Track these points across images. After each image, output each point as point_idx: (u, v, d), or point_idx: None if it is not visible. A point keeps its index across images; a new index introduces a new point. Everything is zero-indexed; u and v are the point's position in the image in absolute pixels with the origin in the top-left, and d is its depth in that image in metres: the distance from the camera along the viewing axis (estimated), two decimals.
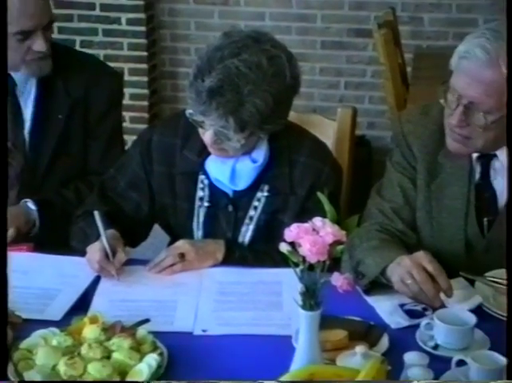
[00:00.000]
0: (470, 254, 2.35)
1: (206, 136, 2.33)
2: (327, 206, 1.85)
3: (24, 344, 1.97)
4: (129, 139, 4.36)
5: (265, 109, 2.28)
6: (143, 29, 5.17)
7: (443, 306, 2.10)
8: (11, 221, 2.47)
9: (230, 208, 2.49)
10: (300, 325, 1.90)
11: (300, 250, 1.79)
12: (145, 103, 5.26)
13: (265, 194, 2.47)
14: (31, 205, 2.66)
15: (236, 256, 2.44)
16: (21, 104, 2.72)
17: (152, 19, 5.26)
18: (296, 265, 1.84)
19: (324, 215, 1.89)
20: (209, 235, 2.52)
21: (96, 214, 2.37)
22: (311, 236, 1.77)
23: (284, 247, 1.83)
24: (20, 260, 2.40)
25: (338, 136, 2.78)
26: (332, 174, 2.48)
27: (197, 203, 2.51)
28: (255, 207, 2.49)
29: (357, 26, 5.11)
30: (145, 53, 5.21)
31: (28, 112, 2.72)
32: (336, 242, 1.79)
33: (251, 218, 2.50)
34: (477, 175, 2.34)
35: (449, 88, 2.21)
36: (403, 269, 2.11)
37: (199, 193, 2.50)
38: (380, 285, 2.22)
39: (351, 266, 2.25)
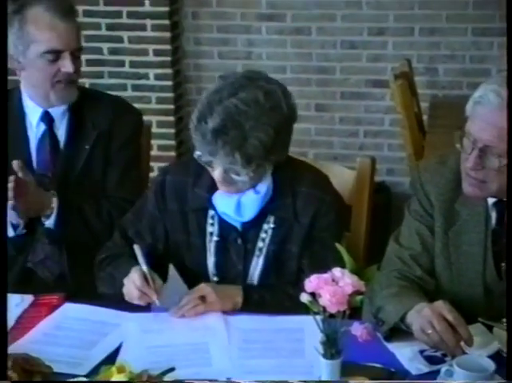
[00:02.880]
0: (489, 299, 2.30)
1: (216, 173, 2.37)
2: (345, 256, 1.83)
3: None
4: None
5: (267, 141, 2.31)
6: (170, 83, 5.19)
7: (462, 352, 2.05)
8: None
9: (239, 241, 2.50)
10: (321, 372, 1.87)
11: (320, 300, 1.78)
12: (172, 153, 5.27)
13: (272, 225, 2.48)
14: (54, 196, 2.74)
15: (255, 298, 2.43)
16: (58, 137, 2.83)
17: (179, 74, 5.28)
18: (316, 314, 1.82)
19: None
20: (221, 268, 2.52)
21: (136, 247, 2.42)
22: (331, 287, 1.76)
23: (305, 298, 1.82)
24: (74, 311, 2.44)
25: (358, 184, 2.76)
26: (334, 203, 2.49)
27: (207, 237, 2.52)
28: (263, 239, 2.49)
29: (375, 77, 5.11)
30: (172, 107, 5.23)
31: (62, 143, 2.83)
32: (356, 293, 1.77)
33: (260, 249, 2.50)
34: (493, 221, 2.30)
35: (465, 133, 2.20)
36: (424, 318, 2.08)
37: (209, 228, 2.52)
38: (400, 331, 2.18)
39: (371, 313, 2.21)
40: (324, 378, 1.87)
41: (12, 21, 2.69)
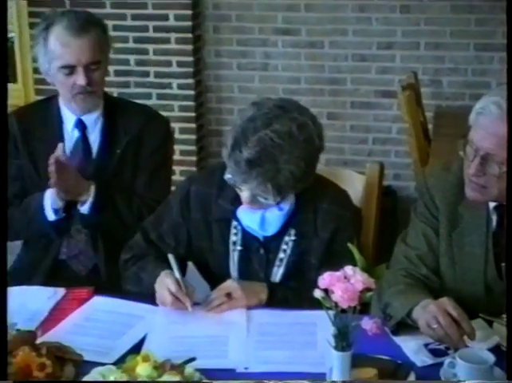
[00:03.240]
0: (490, 296, 2.30)
1: (244, 195, 2.33)
2: (357, 255, 1.83)
3: (85, 379, 1.97)
4: None
5: (298, 173, 2.27)
6: (191, 92, 5.20)
7: (465, 345, 2.05)
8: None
9: (262, 251, 2.47)
10: (333, 364, 1.87)
11: (332, 296, 1.78)
12: (193, 158, 5.28)
13: (293, 238, 2.45)
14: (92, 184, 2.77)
15: (278, 296, 2.41)
16: (90, 143, 2.85)
17: (200, 84, 5.29)
18: (329, 309, 1.82)
19: (352, 261, 1.88)
20: (244, 275, 2.49)
21: (171, 257, 2.40)
22: (343, 284, 1.76)
23: (318, 293, 1.82)
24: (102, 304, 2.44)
25: (367, 188, 2.76)
26: (352, 219, 2.47)
27: (231, 246, 2.49)
28: (284, 250, 2.46)
29: (383, 88, 5.10)
30: (193, 114, 5.24)
31: (95, 148, 2.85)
32: (366, 289, 1.77)
33: (281, 260, 2.47)
34: (494, 224, 2.29)
35: (468, 141, 2.20)
36: (429, 314, 2.07)
37: (233, 238, 2.49)
38: (406, 325, 2.18)
39: (379, 309, 2.21)
40: (335, 369, 1.87)
41: (38, 39, 2.73)
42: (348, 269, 1.80)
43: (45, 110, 2.88)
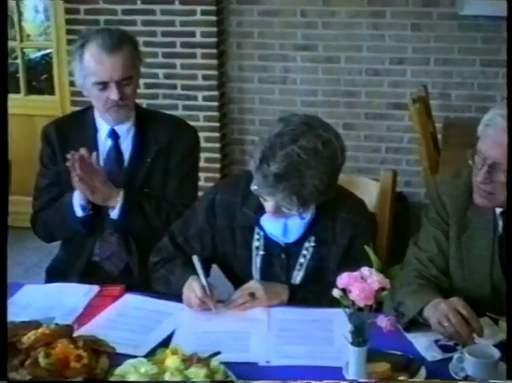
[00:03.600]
0: (496, 296, 2.29)
1: (269, 205, 2.33)
2: (372, 257, 1.83)
3: (118, 370, 1.98)
4: None
5: (322, 187, 2.27)
6: (215, 104, 5.20)
7: (472, 342, 2.05)
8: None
9: (283, 256, 2.47)
10: (349, 358, 1.87)
11: (350, 295, 1.78)
12: (217, 165, 5.28)
13: (312, 244, 2.44)
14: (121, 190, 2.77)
15: (299, 297, 2.41)
16: (122, 151, 2.85)
17: (224, 96, 5.29)
18: (346, 307, 1.82)
19: (368, 264, 1.88)
20: (266, 278, 2.48)
21: (195, 259, 2.40)
22: (360, 283, 1.76)
23: (336, 293, 1.82)
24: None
25: (381, 195, 2.75)
26: (368, 225, 2.46)
27: (254, 251, 2.49)
28: (304, 256, 2.46)
29: (395, 101, 5.08)
30: (217, 124, 5.24)
31: (127, 156, 2.85)
32: (381, 289, 1.77)
33: (301, 264, 2.46)
34: (500, 228, 2.29)
35: (476, 151, 2.20)
36: (441, 313, 2.08)
37: (255, 243, 2.48)
38: (417, 323, 2.18)
39: (392, 307, 2.21)
40: (351, 363, 1.87)
41: (75, 56, 2.74)
42: (365, 270, 1.80)
43: (82, 120, 2.88)
